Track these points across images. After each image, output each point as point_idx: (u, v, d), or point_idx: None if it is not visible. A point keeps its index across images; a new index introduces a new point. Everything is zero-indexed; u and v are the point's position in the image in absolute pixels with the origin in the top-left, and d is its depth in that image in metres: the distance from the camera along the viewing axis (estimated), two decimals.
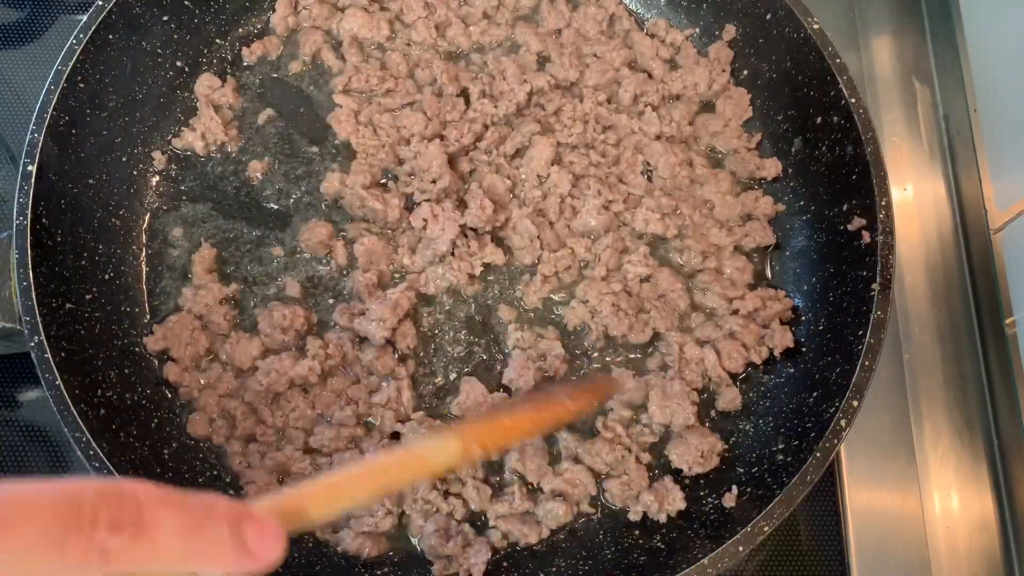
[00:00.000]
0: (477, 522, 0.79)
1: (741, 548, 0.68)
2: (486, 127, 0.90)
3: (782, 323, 0.86)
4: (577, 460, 0.80)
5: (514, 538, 0.78)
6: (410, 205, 0.88)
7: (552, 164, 0.88)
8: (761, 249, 0.90)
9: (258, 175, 0.90)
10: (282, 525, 0.47)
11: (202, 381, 0.82)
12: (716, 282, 0.86)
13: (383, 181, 0.90)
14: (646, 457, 0.81)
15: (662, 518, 0.78)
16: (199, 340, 0.82)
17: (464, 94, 0.93)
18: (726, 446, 0.81)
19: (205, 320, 0.83)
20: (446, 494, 0.78)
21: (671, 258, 0.89)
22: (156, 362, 0.83)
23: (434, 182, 0.87)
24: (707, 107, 0.96)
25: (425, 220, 0.85)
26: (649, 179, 0.91)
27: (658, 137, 0.92)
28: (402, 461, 0.59)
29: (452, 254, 0.84)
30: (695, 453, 0.78)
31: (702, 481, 0.81)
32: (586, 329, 0.85)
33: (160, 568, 0.42)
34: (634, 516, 0.78)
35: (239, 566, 0.45)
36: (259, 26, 0.96)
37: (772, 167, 0.91)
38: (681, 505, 0.77)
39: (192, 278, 0.85)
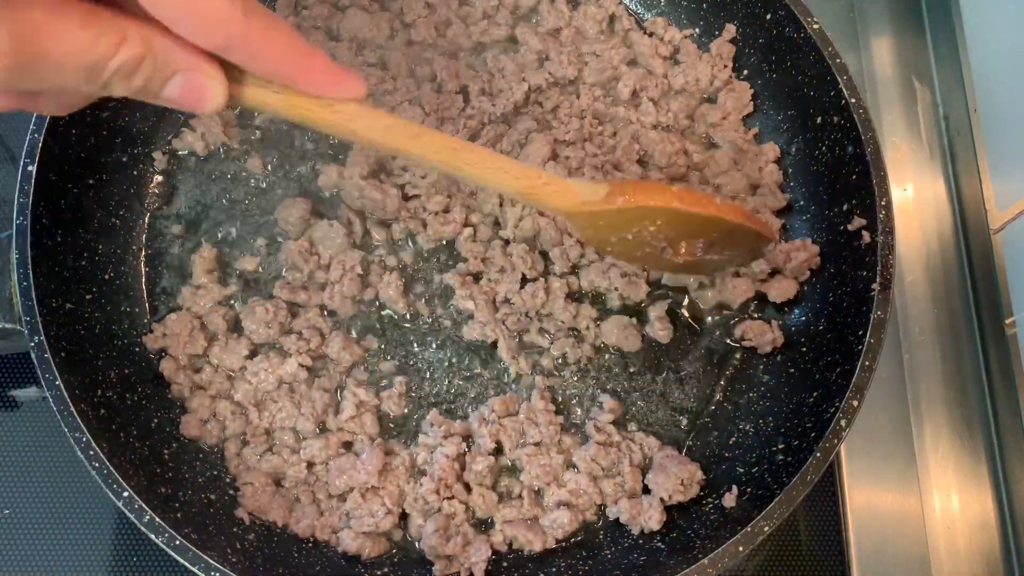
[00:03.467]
0: (480, 526, 0.79)
1: (741, 548, 0.68)
2: (483, 124, 0.90)
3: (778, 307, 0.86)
4: (575, 468, 0.80)
5: (519, 544, 0.78)
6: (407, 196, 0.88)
7: (548, 160, 0.89)
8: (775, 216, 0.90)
9: (258, 174, 0.90)
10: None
11: (195, 379, 0.82)
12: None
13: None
14: (637, 458, 0.81)
15: (635, 530, 0.78)
16: (197, 339, 0.82)
17: (464, 91, 0.93)
18: (705, 477, 0.80)
19: (204, 320, 0.83)
20: (449, 498, 0.78)
21: None
22: (156, 361, 0.83)
23: (424, 177, 0.87)
24: (707, 101, 0.96)
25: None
26: (645, 167, 0.91)
27: (655, 127, 0.92)
28: (527, 173, 0.61)
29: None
30: (675, 481, 0.78)
31: (702, 481, 0.80)
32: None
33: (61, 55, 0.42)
34: (612, 516, 0.79)
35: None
36: None
37: (771, 151, 0.91)
38: (655, 526, 0.77)
39: (192, 278, 0.85)
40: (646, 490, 0.80)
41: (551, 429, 0.80)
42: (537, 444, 0.80)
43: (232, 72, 0.49)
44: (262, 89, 0.51)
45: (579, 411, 0.84)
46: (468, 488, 0.79)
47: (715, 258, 0.76)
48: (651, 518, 0.77)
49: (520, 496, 0.79)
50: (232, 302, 0.85)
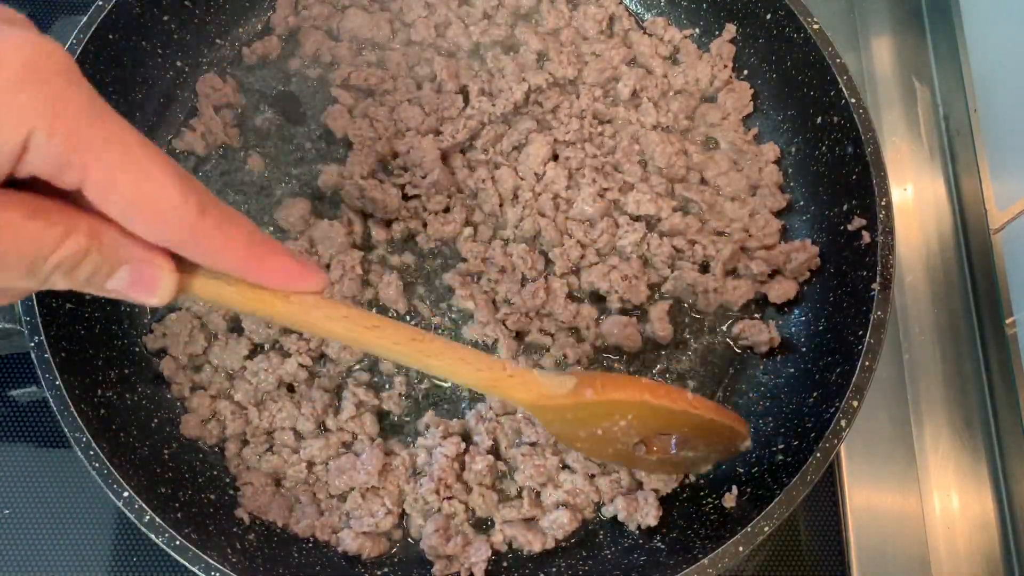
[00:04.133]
0: (480, 526, 0.79)
1: (741, 548, 0.68)
2: (483, 125, 0.90)
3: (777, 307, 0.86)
4: (570, 469, 0.80)
5: (518, 545, 0.78)
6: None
7: (548, 161, 0.89)
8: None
9: (258, 174, 0.90)
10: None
11: (195, 379, 0.82)
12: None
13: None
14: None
15: (631, 526, 0.78)
16: (197, 339, 0.82)
17: (463, 92, 0.93)
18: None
19: (204, 320, 0.83)
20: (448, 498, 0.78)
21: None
22: (156, 361, 0.83)
23: (424, 177, 0.87)
24: (706, 101, 0.96)
25: None
26: (645, 168, 0.91)
27: (655, 127, 0.92)
28: (491, 364, 0.60)
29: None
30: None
31: (701, 481, 0.81)
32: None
33: None
34: (609, 514, 0.79)
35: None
36: (259, 26, 0.96)
37: (771, 151, 0.91)
38: (652, 522, 0.77)
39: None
40: (642, 486, 0.80)
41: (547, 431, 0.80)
42: (533, 444, 0.80)
43: (184, 262, 0.47)
44: (215, 281, 0.49)
45: None
46: (468, 488, 0.79)
47: (690, 455, 0.73)
48: (648, 514, 0.77)
49: (520, 496, 0.79)
50: None
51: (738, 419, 0.72)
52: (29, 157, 0.38)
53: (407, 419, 0.83)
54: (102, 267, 0.43)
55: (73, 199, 0.41)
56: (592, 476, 0.80)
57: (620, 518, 0.78)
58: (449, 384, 0.84)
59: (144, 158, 0.41)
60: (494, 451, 0.80)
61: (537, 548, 0.77)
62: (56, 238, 0.40)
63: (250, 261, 0.47)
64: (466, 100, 0.92)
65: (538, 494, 0.80)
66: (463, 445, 0.79)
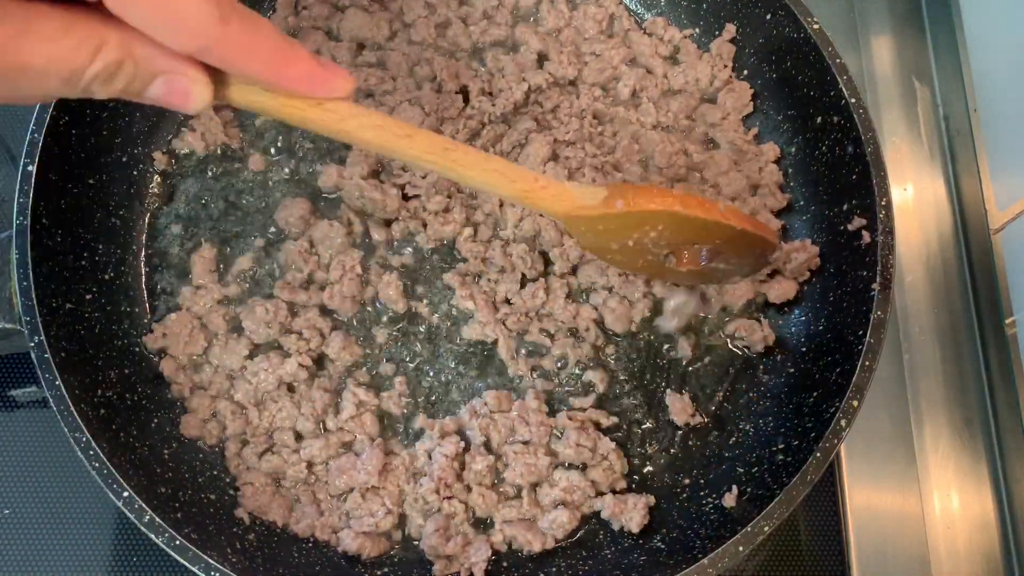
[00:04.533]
0: (480, 526, 0.79)
1: (741, 548, 0.68)
2: (483, 125, 0.90)
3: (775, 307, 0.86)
4: (563, 467, 0.80)
5: (518, 545, 0.78)
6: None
7: (548, 161, 0.89)
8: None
9: (258, 174, 0.90)
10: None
11: (195, 380, 0.82)
12: None
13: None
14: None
15: (615, 526, 0.78)
16: (197, 339, 0.82)
17: (464, 91, 0.93)
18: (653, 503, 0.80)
19: (204, 320, 0.84)
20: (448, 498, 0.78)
21: None
22: (156, 360, 0.83)
23: (424, 177, 0.87)
24: (706, 100, 0.96)
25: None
26: (645, 168, 0.91)
27: (655, 127, 0.92)
28: (524, 175, 0.60)
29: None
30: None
31: (702, 481, 0.81)
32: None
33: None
34: (597, 508, 0.79)
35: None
36: None
37: (771, 151, 0.91)
38: (635, 528, 0.77)
39: (192, 278, 0.85)
40: (633, 488, 0.80)
41: (541, 430, 0.80)
42: (525, 443, 0.80)
43: (219, 72, 0.49)
44: (249, 89, 0.50)
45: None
46: (468, 488, 0.79)
47: (721, 267, 0.73)
48: (632, 519, 0.77)
49: (519, 496, 0.79)
50: (231, 303, 0.85)
51: (768, 230, 0.73)
52: None
53: (408, 419, 0.83)
54: (136, 78, 0.45)
55: (104, 12, 0.43)
56: (585, 468, 0.79)
57: (604, 516, 0.78)
58: (447, 384, 0.84)
59: None
60: (487, 447, 0.80)
61: (537, 548, 0.77)
62: (90, 52, 0.43)
63: (273, 67, 0.48)
64: (466, 100, 0.92)
65: (535, 492, 0.80)
66: (462, 444, 0.79)
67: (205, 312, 0.84)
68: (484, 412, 0.81)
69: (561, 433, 0.81)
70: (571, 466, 0.80)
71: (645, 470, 0.82)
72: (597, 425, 0.82)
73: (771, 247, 0.73)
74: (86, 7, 0.43)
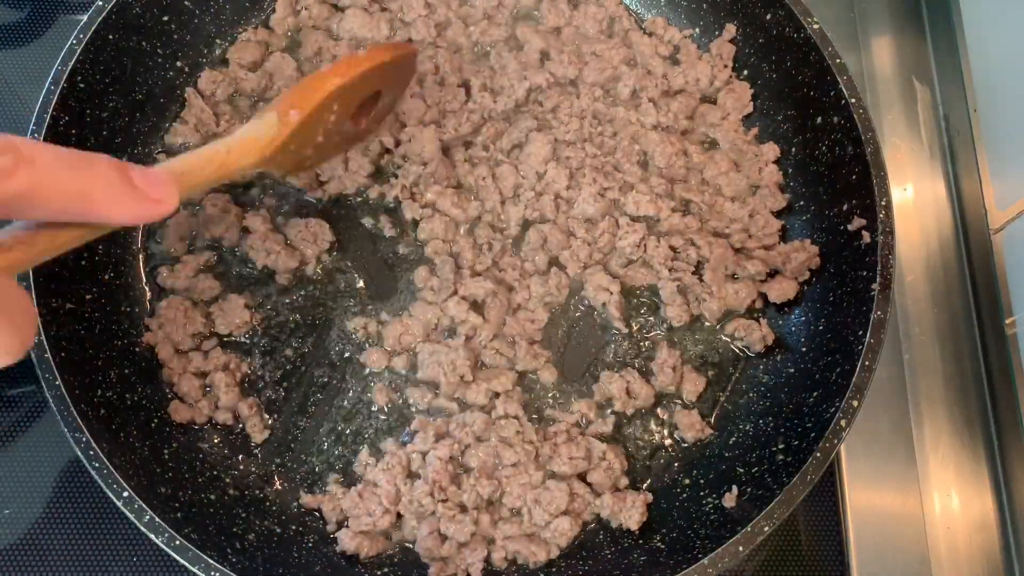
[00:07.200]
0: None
1: (741, 548, 0.68)
2: (484, 120, 0.90)
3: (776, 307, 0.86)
4: (558, 476, 0.79)
5: (523, 560, 0.77)
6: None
7: (549, 160, 0.89)
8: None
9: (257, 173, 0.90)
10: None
11: (193, 367, 0.82)
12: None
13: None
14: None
15: (614, 524, 0.78)
16: (194, 318, 0.82)
17: (466, 86, 0.93)
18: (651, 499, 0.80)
19: (191, 295, 0.84)
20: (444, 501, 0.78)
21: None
22: (156, 361, 0.82)
23: (424, 165, 0.87)
24: (706, 101, 0.96)
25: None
26: (645, 168, 0.91)
27: (655, 127, 0.92)
28: (211, 156, 0.62)
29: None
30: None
31: (702, 481, 0.81)
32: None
33: (49, 206, 0.44)
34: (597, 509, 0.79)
35: (133, 208, 0.47)
36: (259, 26, 0.96)
37: (771, 151, 0.91)
38: (633, 526, 0.77)
39: (163, 244, 0.86)
40: (634, 485, 0.80)
41: (526, 448, 0.79)
42: (514, 465, 0.79)
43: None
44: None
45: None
46: (464, 509, 0.78)
47: (386, 100, 0.79)
48: (631, 517, 0.77)
49: (519, 514, 0.78)
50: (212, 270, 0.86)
51: (399, 44, 0.81)
52: None
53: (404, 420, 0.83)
54: None
55: None
56: (582, 473, 0.79)
57: (603, 515, 0.78)
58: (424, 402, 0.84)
59: None
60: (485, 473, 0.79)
61: (543, 559, 0.76)
62: None
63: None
64: (468, 95, 0.92)
65: (536, 508, 0.78)
66: (456, 446, 0.79)
67: (189, 287, 0.84)
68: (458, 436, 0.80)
69: (543, 444, 0.80)
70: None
71: (645, 469, 0.82)
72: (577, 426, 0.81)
73: (411, 55, 0.79)
74: None
